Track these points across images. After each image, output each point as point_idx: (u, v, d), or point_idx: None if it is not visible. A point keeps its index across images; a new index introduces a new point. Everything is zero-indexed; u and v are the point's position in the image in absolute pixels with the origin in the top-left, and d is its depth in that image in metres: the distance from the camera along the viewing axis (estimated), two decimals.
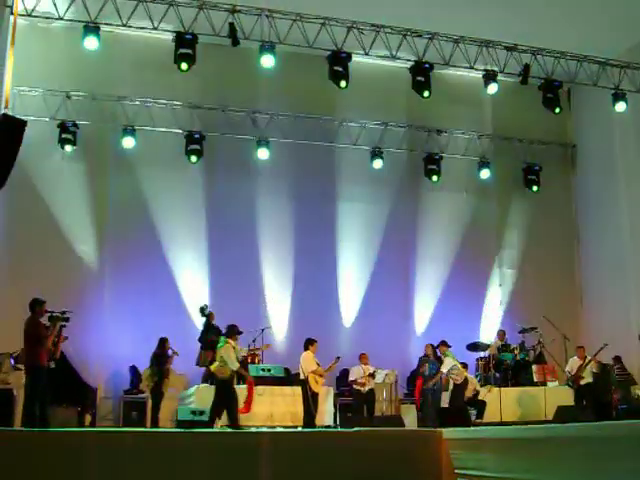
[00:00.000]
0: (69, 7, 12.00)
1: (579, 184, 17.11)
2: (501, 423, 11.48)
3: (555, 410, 11.35)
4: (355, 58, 13.07)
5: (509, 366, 13.68)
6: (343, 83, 12.87)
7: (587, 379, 12.44)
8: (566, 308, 15.96)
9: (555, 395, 12.51)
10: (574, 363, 12.58)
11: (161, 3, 12.08)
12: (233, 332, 10.34)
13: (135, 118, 14.43)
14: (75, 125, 14.01)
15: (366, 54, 13.14)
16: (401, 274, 15.77)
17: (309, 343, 11.67)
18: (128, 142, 14.32)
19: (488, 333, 15.37)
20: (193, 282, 14.43)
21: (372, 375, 12.34)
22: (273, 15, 12.51)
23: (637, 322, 14.10)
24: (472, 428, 8.99)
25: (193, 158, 14.58)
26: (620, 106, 14.25)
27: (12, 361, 10.94)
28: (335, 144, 15.69)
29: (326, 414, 12.01)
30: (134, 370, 13.18)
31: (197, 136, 14.63)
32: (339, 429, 11.44)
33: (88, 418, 11.96)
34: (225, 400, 9.94)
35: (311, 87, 14.60)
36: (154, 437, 6.90)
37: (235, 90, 14.96)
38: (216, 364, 10.20)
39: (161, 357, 11.75)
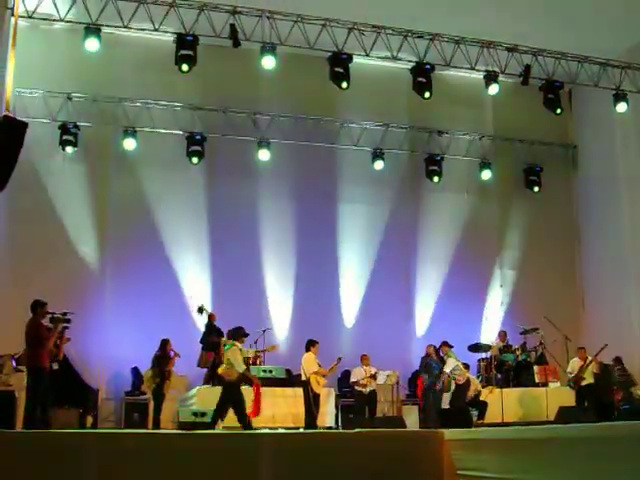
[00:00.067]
0: (70, 9, 12.02)
1: (580, 185, 17.09)
2: (503, 424, 11.44)
3: (557, 411, 11.38)
4: (356, 59, 13.07)
5: (511, 367, 13.69)
6: (344, 84, 12.89)
7: (588, 380, 12.42)
8: (567, 309, 15.92)
9: (557, 396, 12.50)
10: (575, 364, 12.57)
11: (162, 5, 12.10)
12: (239, 334, 10.29)
13: (136, 119, 14.45)
14: (76, 127, 14.02)
15: (367, 55, 13.15)
16: (402, 275, 15.77)
17: (310, 344, 11.66)
18: (129, 143, 14.33)
19: (489, 334, 15.36)
20: (194, 283, 14.42)
21: (374, 376, 12.31)
22: (274, 16, 12.52)
23: (638, 323, 14.09)
24: (474, 429, 9.00)
25: (194, 159, 14.60)
26: (621, 107, 14.26)
27: (13, 363, 10.90)
28: (336, 145, 15.70)
29: (328, 415, 12.00)
30: (136, 372, 13.19)
31: (198, 137, 14.65)
32: (340, 430, 11.42)
33: (90, 420, 11.91)
34: (231, 402, 9.90)
35: (312, 88, 14.62)
36: (155, 439, 6.91)
37: (236, 91, 14.96)
38: (223, 366, 10.15)
39: (163, 359, 11.71)
